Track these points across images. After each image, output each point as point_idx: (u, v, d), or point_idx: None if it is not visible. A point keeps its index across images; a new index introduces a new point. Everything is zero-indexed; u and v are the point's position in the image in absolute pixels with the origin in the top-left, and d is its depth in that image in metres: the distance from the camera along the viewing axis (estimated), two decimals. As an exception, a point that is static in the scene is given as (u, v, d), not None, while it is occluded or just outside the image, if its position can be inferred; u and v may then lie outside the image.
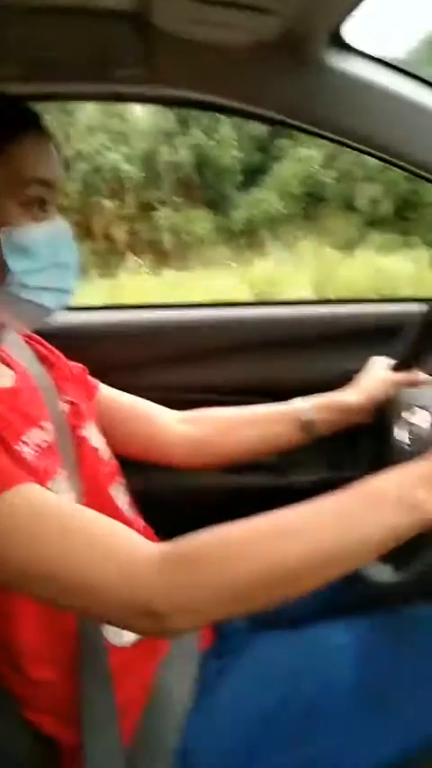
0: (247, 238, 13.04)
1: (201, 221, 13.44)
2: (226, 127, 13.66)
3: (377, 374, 1.16)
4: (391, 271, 7.98)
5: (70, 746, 0.82)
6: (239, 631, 1.03)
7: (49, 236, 0.80)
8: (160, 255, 12.83)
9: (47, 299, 0.82)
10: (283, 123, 1.14)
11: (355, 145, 1.13)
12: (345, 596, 1.05)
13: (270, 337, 1.51)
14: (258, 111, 1.13)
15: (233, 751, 0.85)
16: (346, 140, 1.12)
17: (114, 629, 0.85)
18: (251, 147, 13.91)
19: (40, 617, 0.80)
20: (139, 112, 14.28)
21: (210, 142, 13.60)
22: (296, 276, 8.23)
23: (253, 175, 13.98)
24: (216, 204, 13.85)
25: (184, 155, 13.52)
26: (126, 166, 13.73)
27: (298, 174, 13.03)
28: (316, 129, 1.12)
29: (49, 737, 0.84)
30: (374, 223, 11.84)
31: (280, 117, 1.12)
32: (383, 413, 1.11)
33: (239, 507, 0.80)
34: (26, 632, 0.79)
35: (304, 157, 13.00)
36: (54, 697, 0.83)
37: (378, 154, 1.12)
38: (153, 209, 13.66)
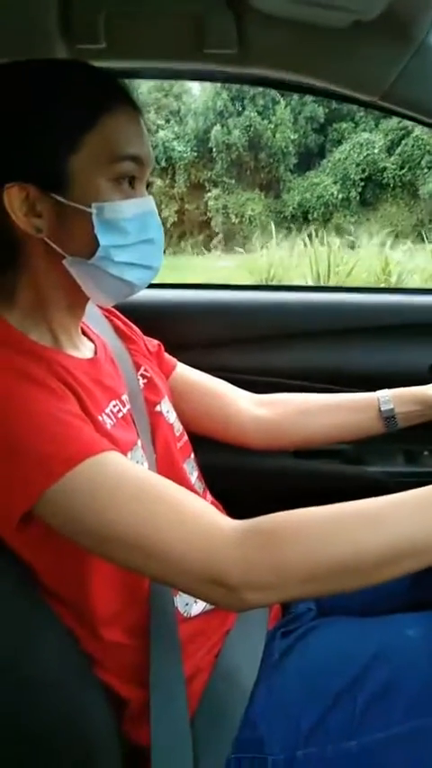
0: (299, 222, 12.87)
1: (252, 203, 13.30)
2: (282, 108, 13.47)
3: None
4: (401, 263, 7.78)
5: (137, 707, 0.85)
6: (309, 614, 1.06)
7: (138, 212, 0.81)
8: (209, 236, 12.76)
9: (132, 275, 0.83)
10: (376, 106, 1.12)
11: None
12: (418, 590, 1.07)
13: (353, 324, 1.47)
14: (354, 93, 1.10)
15: (298, 727, 0.86)
16: None
17: (185, 600, 0.90)
18: (308, 129, 13.69)
19: (115, 583, 0.82)
20: (195, 91, 14.21)
21: (264, 122, 13.41)
22: (301, 266, 8.01)
23: (309, 158, 13.78)
24: (269, 187, 13.71)
25: (237, 135, 13.36)
26: (178, 146, 13.65)
27: (357, 159, 12.79)
28: (412, 113, 1.10)
29: (119, 697, 0.86)
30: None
31: (375, 100, 1.09)
32: None
33: (309, 492, 0.81)
34: (101, 597, 0.82)
35: (364, 141, 12.76)
36: (125, 659, 0.86)
37: None
38: (204, 189, 13.55)
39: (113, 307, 1.02)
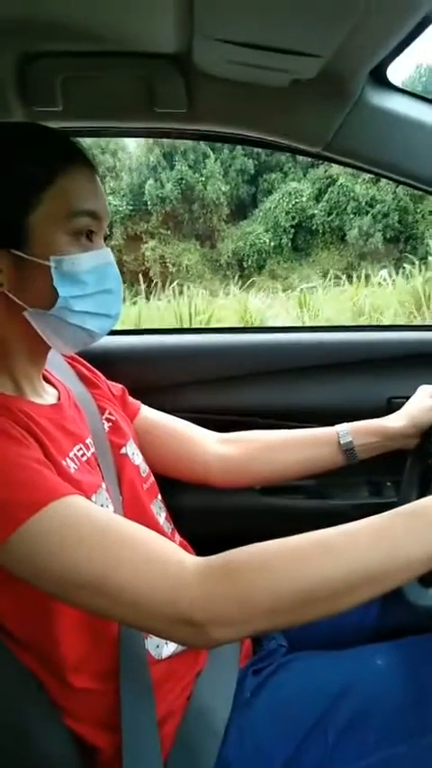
0: (233, 269, 13.20)
1: (188, 253, 13.58)
2: (212, 161, 13.92)
3: (423, 401, 1.16)
4: (260, 310, 8.44)
5: (109, 755, 0.84)
6: (280, 650, 1.05)
7: (95, 264, 0.83)
8: (147, 285, 12.91)
9: (92, 324, 0.85)
10: (321, 156, 1.17)
11: (392, 176, 1.17)
12: (385, 619, 1.08)
13: (312, 361, 1.50)
14: (298, 145, 1.16)
15: (271, 765, 0.85)
16: (384, 172, 1.17)
17: (155, 642, 0.89)
18: (240, 181, 14.17)
19: (82, 628, 0.81)
20: (131, 149, 14.57)
21: (196, 176, 13.83)
22: (167, 313, 8.48)
23: (242, 208, 14.22)
24: (204, 237, 14.06)
25: (169, 188, 13.73)
26: (114, 200, 13.89)
27: (286, 207, 13.26)
28: (355, 162, 1.16)
29: (89, 745, 0.85)
30: (364, 255, 12.04)
31: (318, 151, 1.15)
32: (429, 439, 1.11)
33: (277, 529, 0.81)
34: (68, 643, 0.80)
35: (293, 190, 13.29)
36: (95, 706, 0.84)
37: (419, 185, 1.17)
38: (141, 240, 13.78)
39: (76, 354, 1.03)
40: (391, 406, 1.34)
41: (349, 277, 9.02)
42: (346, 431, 1.13)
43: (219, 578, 0.70)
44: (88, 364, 1.11)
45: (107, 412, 1.02)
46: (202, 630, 0.69)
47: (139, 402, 1.16)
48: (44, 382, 0.93)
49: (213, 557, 0.72)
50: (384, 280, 8.52)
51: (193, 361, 1.51)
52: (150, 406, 1.17)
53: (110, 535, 0.72)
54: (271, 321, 7.91)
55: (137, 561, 0.70)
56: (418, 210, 11.98)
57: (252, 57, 0.88)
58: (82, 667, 0.82)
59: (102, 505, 0.86)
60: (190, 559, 0.72)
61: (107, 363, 1.15)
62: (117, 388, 1.13)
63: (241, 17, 0.80)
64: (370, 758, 0.84)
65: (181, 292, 8.68)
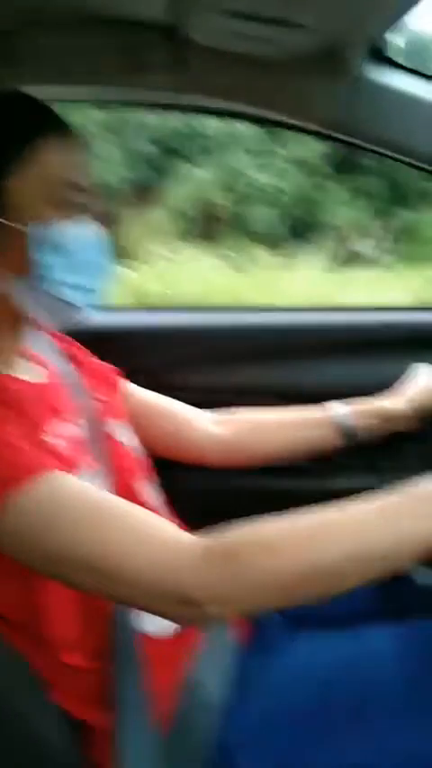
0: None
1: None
2: (111, 147, 13.62)
3: (420, 382, 1.19)
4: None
5: (100, 730, 0.85)
6: (278, 628, 1.06)
7: (77, 234, 0.84)
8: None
9: (72, 296, 0.86)
10: (320, 135, 1.22)
11: (392, 155, 1.19)
12: (390, 600, 1.11)
13: (312, 343, 1.52)
14: (296, 121, 1.20)
15: (272, 748, 0.86)
16: (383, 150, 1.20)
17: (150, 618, 0.88)
18: (143, 167, 13.93)
19: (73, 604, 0.82)
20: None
21: (94, 161, 13.54)
22: None
23: (146, 194, 14.01)
24: (105, 221, 13.78)
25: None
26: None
27: (191, 195, 13.20)
28: (353, 140, 1.19)
29: (79, 721, 0.86)
30: (265, 241, 12.17)
31: (316, 128, 1.19)
32: (428, 420, 1.14)
33: (277, 510, 0.81)
34: (59, 619, 0.81)
35: (197, 179, 13.23)
36: (85, 682, 0.86)
37: (417, 164, 1.18)
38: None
39: (68, 334, 1.02)
40: (385, 388, 1.38)
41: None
42: (343, 412, 1.14)
43: (217, 557, 0.70)
44: (80, 345, 1.11)
45: (97, 393, 1.03)
46: (200, 609, 0.69)
47: (132, 383, 1.17)
48: (33, 362, 0.94)
49: (212, 535, 0.72)
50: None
51: (190, 341, 1.53)
52: (144, 386, 1.19)
53: (104, 513, 0.72)
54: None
55: (133, 539, 0.71)
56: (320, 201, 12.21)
57: (247, 28, 0.90)
58: (73, 643, 0.84)
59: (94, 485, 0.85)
60: (188, 538, 0.73)
61: (100, 343, 1.15)
62: (109, 368, 1.14)
63: None
64: (375, 740, 0.86)
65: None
